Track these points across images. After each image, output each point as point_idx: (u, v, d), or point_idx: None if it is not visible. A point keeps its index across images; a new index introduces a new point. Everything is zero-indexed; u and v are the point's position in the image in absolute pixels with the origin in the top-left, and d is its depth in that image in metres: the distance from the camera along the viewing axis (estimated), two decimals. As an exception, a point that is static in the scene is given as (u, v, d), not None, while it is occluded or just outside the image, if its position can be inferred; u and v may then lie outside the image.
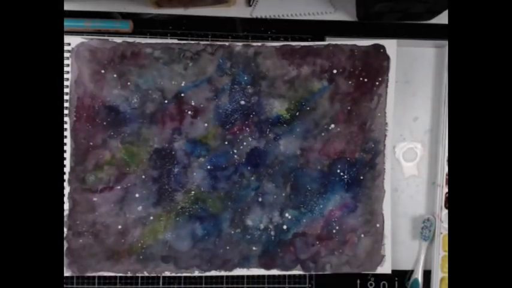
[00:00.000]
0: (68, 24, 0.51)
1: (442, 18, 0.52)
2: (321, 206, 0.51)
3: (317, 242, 0.51)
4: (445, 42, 0.52)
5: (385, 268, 0.51)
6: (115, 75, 0.50)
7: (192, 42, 0.51)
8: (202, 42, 0.51)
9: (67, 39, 0.50)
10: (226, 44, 0.51)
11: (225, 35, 0.53)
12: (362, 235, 0.51)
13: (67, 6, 0.51)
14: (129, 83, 0.51)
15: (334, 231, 0.51)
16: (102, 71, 0.50)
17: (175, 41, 0.52)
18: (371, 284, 0.52)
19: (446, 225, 0.50)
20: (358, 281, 0.52)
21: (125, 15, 0.53)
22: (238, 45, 0.51)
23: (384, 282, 0.52)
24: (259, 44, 0.51)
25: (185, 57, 0.51)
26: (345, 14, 0.54)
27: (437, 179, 0.52)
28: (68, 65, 0.50)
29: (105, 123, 0.50)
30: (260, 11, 0.54)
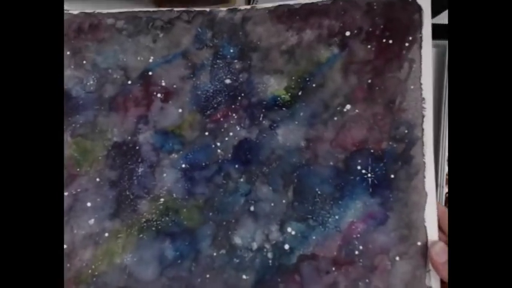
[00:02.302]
0: None
1: (442, 18, 0.49)
2: (337, 217, 0.37)
3: (333, 269, 0.36)
4: (445, 42, 0.49)
5: (433, 307, 0.35)
6: (68, 53, 0.40)
7: (164, 9, 0.41)
8: (176, 9, 0.41)
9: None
10: (207, 9, 0.40)
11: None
12: (397, 258, 0.36)
13: (67, 6, 0.48)
14: (84, 62, 0.40)
15: (356, 252, 0.36)
16: (51, 47, 0.40)
17: (144, 8, 0.41)
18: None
19: None
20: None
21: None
22: (222, 10, 0.40)
23: None
24: (248, 7, 0.40)
25: (154, 27, 0.40)
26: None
27: (438, 179, 0.50)
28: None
29: (52, 111, 0.39)
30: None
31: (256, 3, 0.44)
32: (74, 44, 0.40)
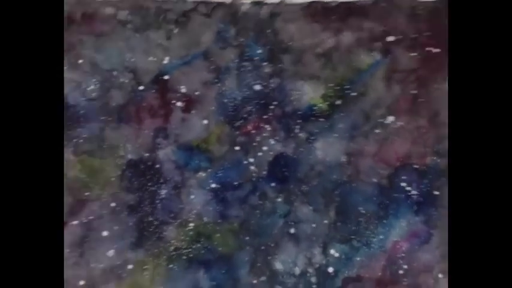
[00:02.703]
0: None
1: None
2: (381, 237, 0.35)
3: (378, 290, 0.35)
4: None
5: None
6: (61, 51, 0.33)
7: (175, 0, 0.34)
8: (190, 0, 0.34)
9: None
10: (227, 1, 0.35)
11: None
12: (440, 275, 0.35)
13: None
14: (81, 61, 0.33)
15: (401, 271, 0.35)
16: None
17: (154, -3, 0.34)
18: None
19: None
20: None
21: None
22: (245, 3, 0.35)
23: None
24: (275, 1, 0.35)
25: (167, 20, 0.34)
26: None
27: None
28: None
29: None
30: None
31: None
32: (66, 38, 0.33)
